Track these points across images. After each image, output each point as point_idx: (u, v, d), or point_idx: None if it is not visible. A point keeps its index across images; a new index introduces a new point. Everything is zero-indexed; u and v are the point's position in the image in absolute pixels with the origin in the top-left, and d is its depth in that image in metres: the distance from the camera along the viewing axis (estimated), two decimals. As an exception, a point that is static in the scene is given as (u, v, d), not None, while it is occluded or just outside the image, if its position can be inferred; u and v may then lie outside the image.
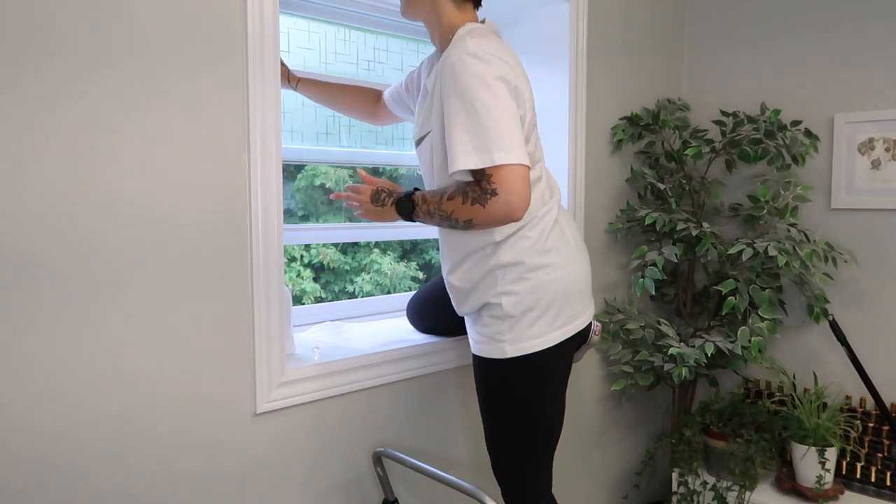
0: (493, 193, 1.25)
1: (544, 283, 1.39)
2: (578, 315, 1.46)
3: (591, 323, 1.66)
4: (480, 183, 1.28)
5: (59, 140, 1.16)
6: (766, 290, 2.05)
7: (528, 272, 1.38)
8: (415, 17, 1.49)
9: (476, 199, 1.28)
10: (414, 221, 1.44)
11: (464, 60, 1.27)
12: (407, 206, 1.43)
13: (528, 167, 1.28)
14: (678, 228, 2.09)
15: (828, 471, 2.01)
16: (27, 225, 1.14)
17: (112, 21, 1.20)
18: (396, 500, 1.59)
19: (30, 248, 1.14)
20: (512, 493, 1.50)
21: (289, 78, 1.72)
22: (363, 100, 1.79)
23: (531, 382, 1.42)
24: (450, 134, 1.28)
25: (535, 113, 1.44)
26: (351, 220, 2.04)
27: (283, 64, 1.68)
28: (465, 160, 1.26)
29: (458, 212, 1.32)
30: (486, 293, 1.41)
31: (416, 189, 1.46)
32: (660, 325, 2.12)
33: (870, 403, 2.19)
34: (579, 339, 1.52)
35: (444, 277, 1.51)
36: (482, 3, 1.48)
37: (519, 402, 1.43)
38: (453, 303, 1.51)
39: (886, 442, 2.11)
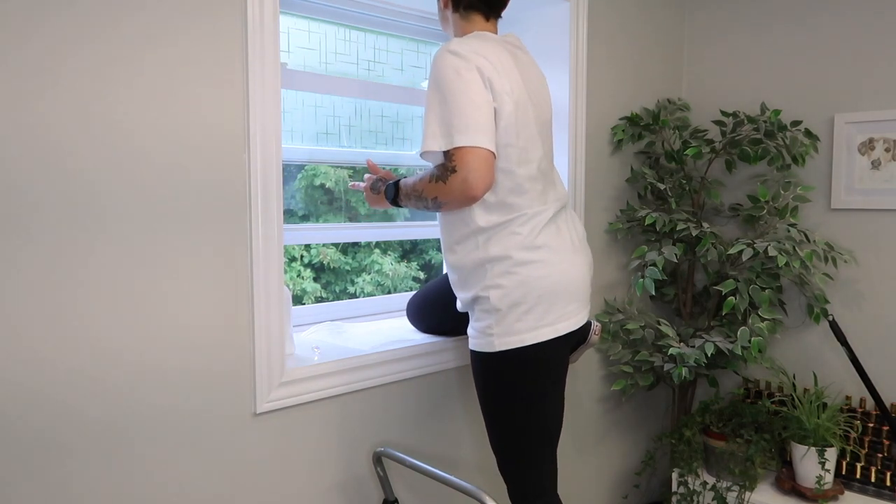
0: (453, 171, 1.34)
1: (532, 279, 1.41)
2: (572, 314, 1.47)
3: (590, 323, 1.67)
4: (444, 163, 1.37)
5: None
6: (766, 291, 2.05)
7: (516, 266, 1.41)
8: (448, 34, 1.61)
9: (439, 176, 1.38)
10: (399, 206, 1.57)
11: (443, 55, 1.39)
12: (392, 192, 1.55)
13: (491, 152, 1.35)
14: (678, 228, 2.09)
15: (828, 471, 2.01)
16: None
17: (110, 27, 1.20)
18: (396, 500, 1.59)
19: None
20: (516, 492, 1.51)
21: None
22: None
23: (520, 377, 1.43)
24: (424, 121, 1.39)
25: (525, 110, 1.44)
26: (351, 219, 2.04)
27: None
28: (430, 143, 1.37)
29: (426, 190, 1.41)
30: (476, 285, 1.45)
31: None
32: (660, 325, 2.12)
33: (870, 403, 2.19)
34: (576, 339, 1.52)
35: (445, 261, 1.56)
36: (501, 14, 1.55)
37: (509, 397, 1.45)
38: (454, 289, 1.55)
39: (886, 442, 2.11)
